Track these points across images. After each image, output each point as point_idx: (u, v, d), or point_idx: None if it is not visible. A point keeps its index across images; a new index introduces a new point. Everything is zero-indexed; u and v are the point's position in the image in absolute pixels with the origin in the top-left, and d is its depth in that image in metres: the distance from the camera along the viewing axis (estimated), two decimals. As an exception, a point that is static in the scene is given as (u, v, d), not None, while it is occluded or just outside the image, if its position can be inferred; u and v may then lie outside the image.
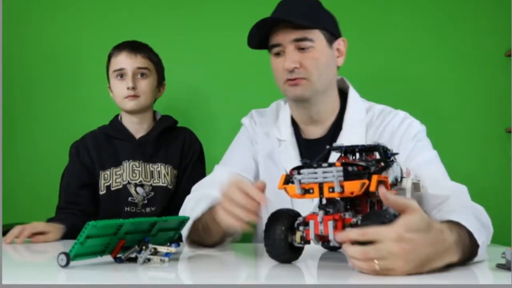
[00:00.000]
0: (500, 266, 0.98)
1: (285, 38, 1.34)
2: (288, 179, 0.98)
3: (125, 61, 1.74)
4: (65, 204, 1.77)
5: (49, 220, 1.63)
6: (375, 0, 2.22)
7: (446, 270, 0.94)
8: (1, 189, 2.01)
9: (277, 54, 1.38)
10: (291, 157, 1.41)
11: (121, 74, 1.75)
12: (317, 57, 1.35)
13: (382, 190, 0.90)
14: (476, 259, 1.00)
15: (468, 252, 0.98)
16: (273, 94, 2.21)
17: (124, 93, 1.74)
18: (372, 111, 1.43)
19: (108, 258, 1.03)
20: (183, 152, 1.82)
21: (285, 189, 0.98)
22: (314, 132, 1.45)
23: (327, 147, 1.09)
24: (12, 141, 2.29)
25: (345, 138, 1.35)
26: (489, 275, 0.97)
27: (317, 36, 1.35)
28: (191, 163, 1.82)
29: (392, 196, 0.90)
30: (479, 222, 1.03)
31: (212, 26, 2.29)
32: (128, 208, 1.73)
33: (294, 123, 1.48)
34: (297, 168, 0.97)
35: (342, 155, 1.06)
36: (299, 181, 0.95)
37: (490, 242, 1.08)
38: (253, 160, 1.48)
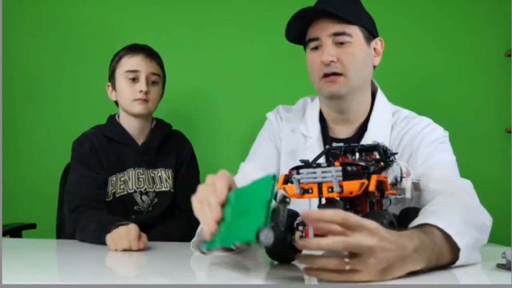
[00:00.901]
0: (500, 266, 0.98)
1: (323, 31, 1.33)
2: (287, 179, 0.98)
3: (141, 64, 1.73)
4: (91, 197, 1.62)
5: (119, 225, 1.36)
6: (375, 0, 2.22)
7: (446, 270, 0.94)
8: (1, 189, 2.02)
9: (315, 49, 1.36)
10: (317, 154, 1.40)
11: (134, 76, 1.72)
12: (354, 53, 1.33)
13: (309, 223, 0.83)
14: (459, 262, 0.95)
15: (443, 257, 0.94)
16: (275, 94, 2.23)
17: (136, 96, 1.71)
18: (398, 115, 1.42)
19: (108, 258, 1.03)
20: (178, 154, 1.82)
21: (284, 189, 0.98)
22: (343, 131, 1.43)
23: (326, 146, 1.09)
24: (12, 141, 2.29)
25: (370, 139, 1.34)
26: (489, 275, 0.97)
27: (356, 32, 1.34)
28: (185, 163, 1.83)
29: (315, 214, 0.83)
30: (465, 224, 0.98)
31: (213, 26, 2.28)
32: (134, 216, 1.71)
33: (322, 121, 1.46)
34: (296, 168, 0.97)
35: (342, 154, 1.06)
36: (298, 181, 0.95)
37: (486, 243, 1.05)
38: (278, 152, 1.47)
